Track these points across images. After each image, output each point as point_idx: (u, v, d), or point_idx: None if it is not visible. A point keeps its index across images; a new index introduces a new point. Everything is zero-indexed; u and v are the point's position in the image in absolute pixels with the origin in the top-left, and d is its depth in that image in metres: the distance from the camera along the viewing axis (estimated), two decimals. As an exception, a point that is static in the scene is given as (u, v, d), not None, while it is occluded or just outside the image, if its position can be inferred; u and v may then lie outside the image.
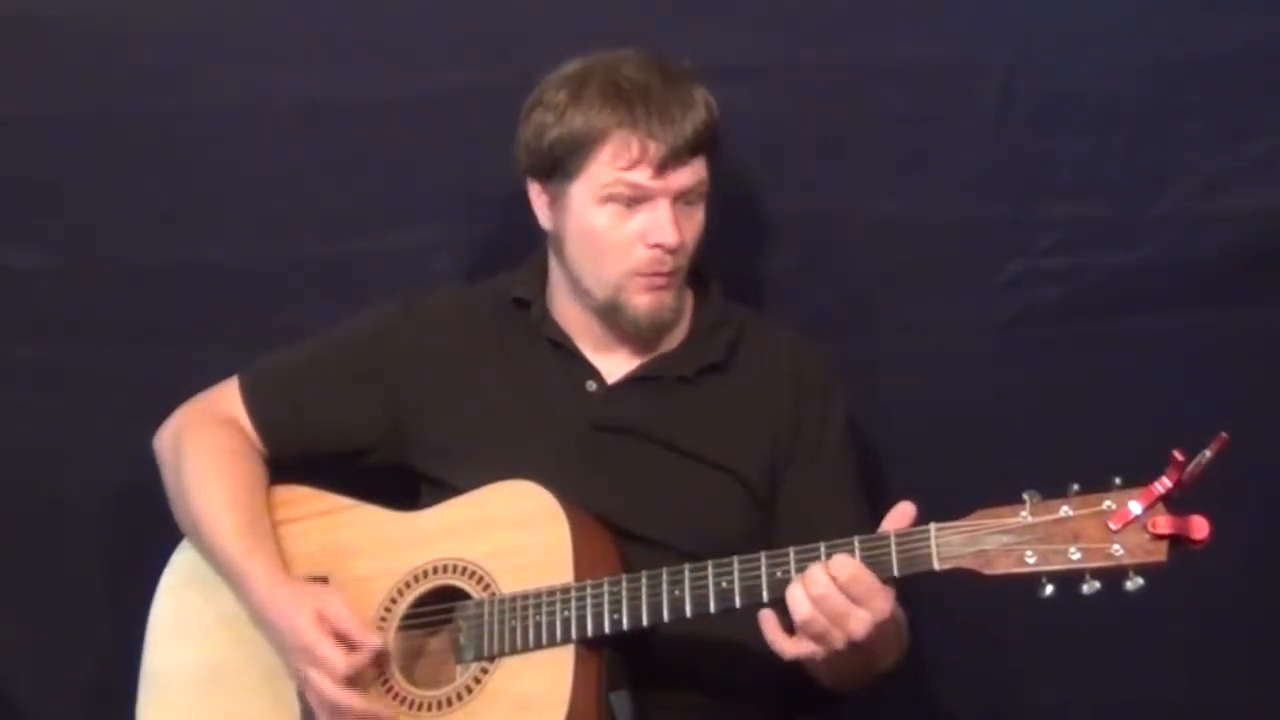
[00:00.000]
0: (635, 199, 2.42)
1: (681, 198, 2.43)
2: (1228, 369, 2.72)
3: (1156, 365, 2.73)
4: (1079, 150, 2.72)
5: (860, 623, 2.17)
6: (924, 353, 2.77)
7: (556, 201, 2.47)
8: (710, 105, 2.44)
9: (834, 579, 2.17)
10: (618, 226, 2.43)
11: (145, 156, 2.86)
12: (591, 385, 2.50)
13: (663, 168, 2.40)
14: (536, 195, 2.50)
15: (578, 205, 2.45)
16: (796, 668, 2.42)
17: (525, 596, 2.33)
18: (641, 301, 2.45)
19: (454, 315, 2.58)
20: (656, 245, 2.42)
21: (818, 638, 2.19)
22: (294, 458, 2.55)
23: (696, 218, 2.45)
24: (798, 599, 2.19)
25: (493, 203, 2.79)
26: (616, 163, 2.41)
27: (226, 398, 2.59)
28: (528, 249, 2.61)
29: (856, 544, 2.19)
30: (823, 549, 2.20)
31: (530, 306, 2.54)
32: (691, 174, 2.42)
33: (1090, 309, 2.74)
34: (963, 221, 2.76)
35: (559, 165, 2.44)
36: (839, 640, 2.18)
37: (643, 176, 2.41)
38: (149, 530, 2.61)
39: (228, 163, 2.85)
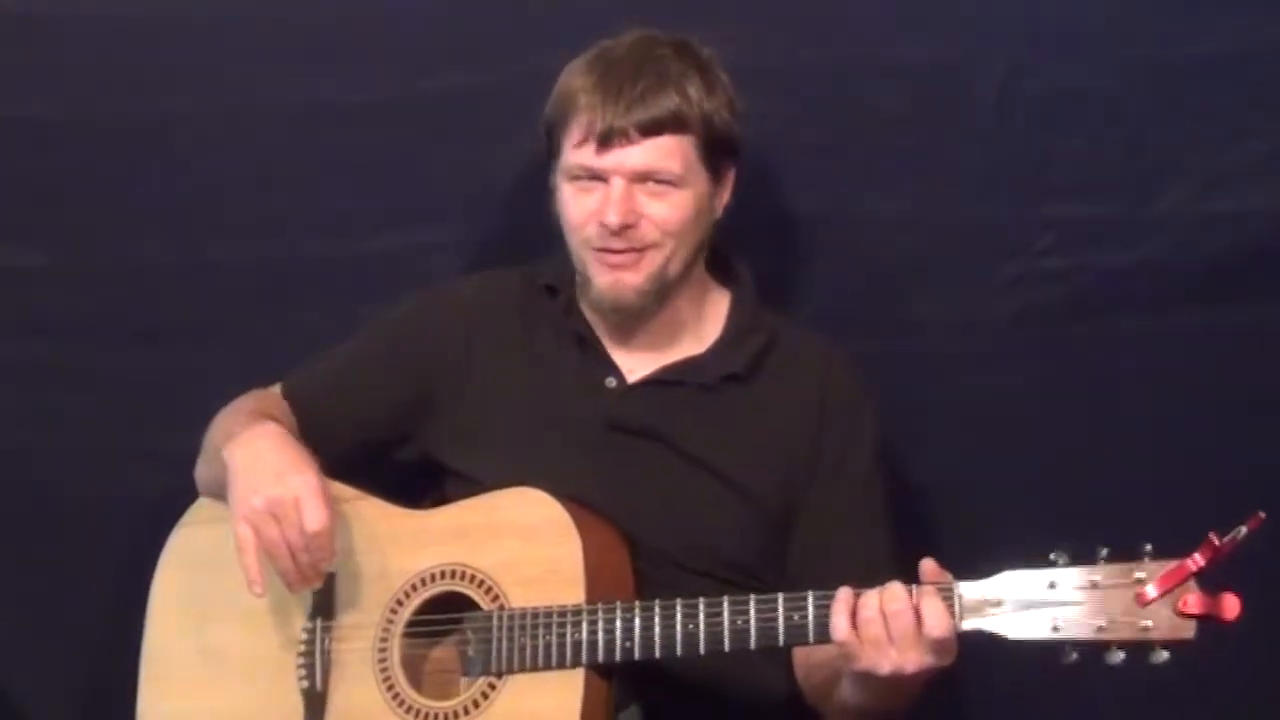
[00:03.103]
0: (590, 177, 2.41)
1: (646, 179, 2.40)
2: (1228, 369, 2.72)
3: (1157, 365, 2.73)
4: (1079, 150, 2.72)
5: (890, 662, 2.14)
6: (924, 353, 2.77)
7: (553, 180, 2.48)
8: (692, 93, 2.41)
9: (883, 609, 2.14)
10: (577, 200, 2.43)
11: (145, 156, 2.86)
12: (611, 382, 2.48)
13: (606, 144, 2.39)
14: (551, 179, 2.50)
15: (557, 182, 2.46)
16: (798, 691, 2.43)
17: (535, 614, 2.32)
18: (602, 280, 2.44)
19: (482, 300, 2.57)
20: (602, 224, 2.41)
21: (848, 657, 2.17)
22: (334, 449, 2.49)
23: (671, 202, 2.41)
24: (839, 624, 2.15)
25: (493, 203, 2.80)
26: (571, 140, 2.42)
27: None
28: (528, 249, 2.62)
29: (879, 593, 2.16)
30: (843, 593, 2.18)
31: (558, 295, 2.53)
32: (645, 154, 2.39)
33: (1090, 309, 2.74)
34: (963, 221, 2.76)
35: (550, 144, 2.46)
36: (862, 664, 2.15)
37: (588, 154, 2.40)
38: (149, 529, 2.61)
39: (228, 163, 2.86)
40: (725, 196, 2.50)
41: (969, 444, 2.77)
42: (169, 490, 2.61)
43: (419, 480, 2.53)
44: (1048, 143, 2.73)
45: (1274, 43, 2.67)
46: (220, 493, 2.47)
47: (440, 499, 2.50)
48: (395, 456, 2.57)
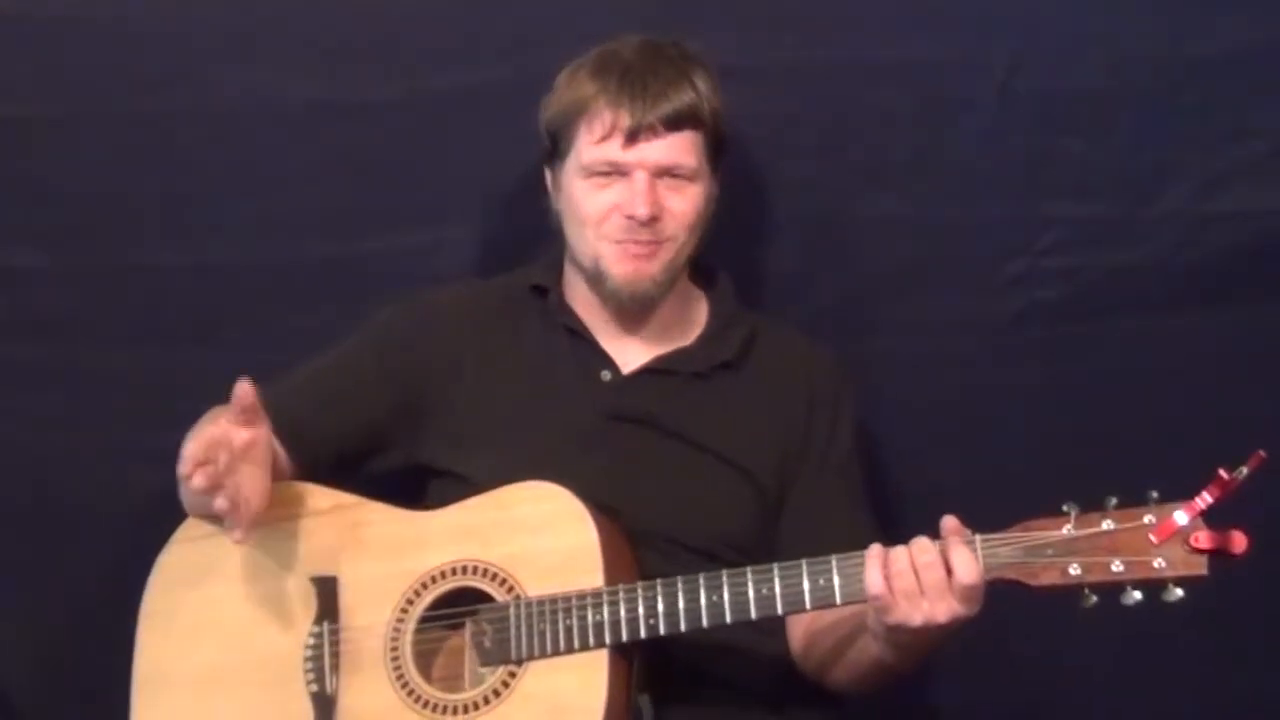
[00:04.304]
0: (611, 173, 2.44)
1: (665, 173, 2.44)
2: (1228, 369, 2.72)
3: (1156, 365, 2.74)
4: (1079, 150, 2.73)
5: (922, 614, 2.18)
6: (924, 353, 2.78)
7: (556, 182, 2.52)
8: (702, 89, 2.46)
9: (913, 562, 2.19)
10: (595, 195, 2.46)
11: (145, 156, 2.85)
12: (606, 374, 2.51)
13: (633, 139, 2.43)
14: (549, 181, 2.53)
15: (566, 181, 2.49)
16: (796, 671, 2.45)
17: (554, 600, 2.32)
18: (619, 270, 2.46)
19: (466, 304, 2.59)
20: (629, 216, 2.44)
21: (881, 611, 2.21)
22: (317, 461, 2.52)
23: (687, 196, 2.46)
24: (873, 578, 2.19)
25: (494, 202, 2.80)
26: (592, 137, 2.45)
27: None
28: (529, 249, 2.62)
29: (908, 548, 2.21)
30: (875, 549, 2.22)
31: (547, 294, 2.56)
32: (669, 149, 2.44)
33: (1090, 309, 2.75)
34: (963, 221, 2.76)
35: (556, 145, 2.50)
36: (895, 617, 2.19)
37: (614, 149, 2.44)
38: (149, 530, 2.60)
39: (228, 163, 2.85)
40: (716, 195, 2.54)
41: (969, 444, 2.77)
42: (169, 490, 2.59)
43: (395, 493, 2.53)
44: (1048, 143, 2.73)
45: (1274, 43, 2.68)
46: (202, 510, 2.47)
47: (423, 506, 2.50)
48: (369, 468, 2.57)
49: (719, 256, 2.61)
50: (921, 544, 2.20)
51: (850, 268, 2.81)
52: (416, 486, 2.55)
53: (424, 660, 2.38)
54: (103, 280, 2.88)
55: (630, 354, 2.52)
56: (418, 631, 2.38)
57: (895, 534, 2.26)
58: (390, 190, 2.84)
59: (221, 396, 2.61)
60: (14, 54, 2.84)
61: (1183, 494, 2.15)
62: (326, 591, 2.41)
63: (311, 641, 2.42)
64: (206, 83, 2.82)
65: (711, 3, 2.77)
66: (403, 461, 2.56)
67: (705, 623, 2.28)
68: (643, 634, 2.29)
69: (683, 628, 2.28)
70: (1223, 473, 2.12)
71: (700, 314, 2.57)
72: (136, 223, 2.87)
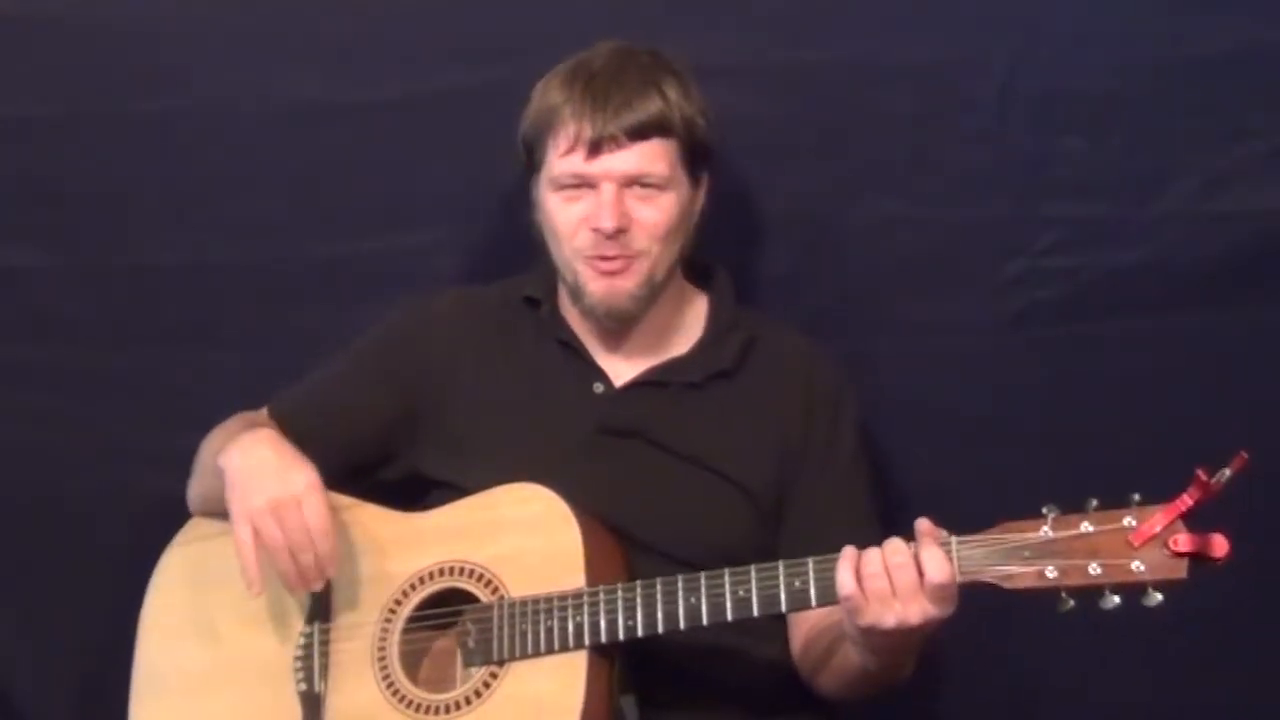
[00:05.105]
0: (580, 185, 2.43)
1: (633, 183, 2.42)
2: (1228, 369, 2.72)
3: (1156, 365, 2.73)
4: (1079, 150, 2.72)
5: (894, 615, 2.17)
6: (924, 353, 2.77)
7: (535, 194, 2.50)
8: (672, 96, 2.43)
9: (886, 563, 2.17)
10: (565, 209, 2.44)
11: (145, 156, 2.86)
12: (599, 387, 2.50)
13: (595, 150, 2.41)
14: (532, 195, 2.52)
15: (542, 195, 2.48)
16: (794, 675, 2.44)
17: (536, 600, 2.32)
18: (594, 287, 2.45)
19: (461, 314, 2.58)
20: (596, 229, 2.42)
21: (853, 612, 2.19)
22: (324, 469, 2.47)
23: (658, 205, 2.44)
24: (844, 579, 2.18)
25: (493, 203, 2.79)
26: (558, 150, 2.43)
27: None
28: (528, 250, 2.61)
29: (880, 549, 2.19)
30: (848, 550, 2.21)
31: (540, 306, 2.55)
32: (635, 159, 2.41)
33: (1090, 309, 2.74)
34: (963, 221, 2.76)
35: (531, 158, 2.48)
36: (867, 618, 2.18)
37: (578, 161, 2.42)
38: (149, 530, 2.61)
39: (228, 163, 2.85)
40: (701, 202, 2.52)
41: (968, 444, 2.77)
42: (169, 490, 2.61)
43: (400, 500, 2.53)
44: (1048, 143, 2.73)
45: (1274, 43, 2.67)
46: (215, 510, 2.48)
47: (419, 508, 2.50)
48: (380, 477, 2.57)
49: (719, 257, 2.60)
50: (894, 545, 2.19)
51: (850, 268, 2.80)
52: (420, 494, 2.55)
53: (412, 661, 2.39)
54: (103, 280, 2.88)
55: (623, 366, 2.51)
56: (406, 632, 2.39)
57: (894, 535, 2.26)
58: (390, 190, 2.84)
59: (221, 396, 2.62)
60: (14, 54, 2.85)
61: (1180, 494, 2.14)
62: (319, 592, 2.41)
63: (302, 642, 2.43)
64: (206, 83, 2.83)
65: (711, 3, 2.77)
66: (407, 471, 2.56)
67: (683, 625, 2.27)
68: (621, 636, 2.29)
69: (661, 630, 2.28)
70: (1203, 474, 2.09)
71: (698, 317, 2.55)
72: (136, 223, 2.88)
